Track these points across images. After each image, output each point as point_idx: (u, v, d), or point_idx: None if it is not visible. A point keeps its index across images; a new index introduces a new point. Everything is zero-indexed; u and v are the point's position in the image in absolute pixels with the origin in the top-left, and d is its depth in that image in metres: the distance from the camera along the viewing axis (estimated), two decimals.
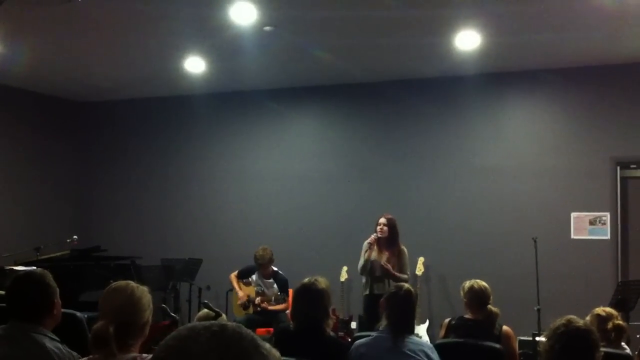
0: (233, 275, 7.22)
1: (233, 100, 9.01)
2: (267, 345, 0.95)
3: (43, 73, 8.17)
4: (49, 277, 2.72)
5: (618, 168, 7.33)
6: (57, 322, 2.71)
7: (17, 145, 8.98)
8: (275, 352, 0.96)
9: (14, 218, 8.77)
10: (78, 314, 4.20)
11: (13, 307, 2.66)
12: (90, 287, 6.76)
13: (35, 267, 5.48)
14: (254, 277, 7.09)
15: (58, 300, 2.72)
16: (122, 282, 2.45)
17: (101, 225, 9.50)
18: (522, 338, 6.10)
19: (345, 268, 7.63)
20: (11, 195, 8.82)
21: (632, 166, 7.37)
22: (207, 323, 0.95)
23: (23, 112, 9.07)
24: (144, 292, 2.44)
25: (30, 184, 9.09)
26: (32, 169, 9.15)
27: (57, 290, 2.72)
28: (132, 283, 2.45)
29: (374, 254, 6.41)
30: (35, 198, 9.13)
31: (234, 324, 0.96)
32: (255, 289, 7.05)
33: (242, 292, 7.09)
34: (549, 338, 2.77)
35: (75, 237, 7.86)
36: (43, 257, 7.28)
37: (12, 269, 6.57)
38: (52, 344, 2.57)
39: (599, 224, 7.30)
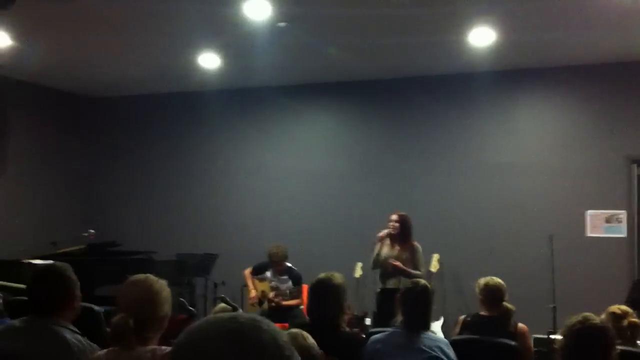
0: (247, 272, 7.24)
1: (246, 96, 9.03)
2: (286, 338, 0.93)
3: (56, 69, 8.23)
4: (70, 271, 2.76)
5: (634, 166, 7.28)
6: (77, 315, 2.75)
7: (31, 140, 9.05)
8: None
9: (28, 212, 8.84)
10: (95, 307, 4.25)
11: (34, 300, 2.69)
12: (106, 282, 6.82)
13: (52, 261, 5.55)
14: (268, 273, 7.11)
15: (79, 293, 2.75)
16: (141, 276, 2.47)
17: (115, 220, 9.55)
18: (537, 336, 6.08)
19: (359, 264, 7.64)
20: (25, 190, 8.89)
21: None
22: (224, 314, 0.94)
23: (37, 107, 9.14)
24: (162, 286, 2.47)
25: (44, 179, 9.17)
26: (45, 164, 9.22)
27: (78, 283, 2.76)
28: (151, 276, 2.48)
29: (386, 250, 6.43)
30: (49, 193, 9.20)
31: (250, 315, 0.95)
32: (270, 284, 7.07)
33: (254, 291, 7.12)
34: (565, 335, 2.77)
35: (92, 231, 7.91)
36: (60, 251, 7.34)
37: (30, 262, 6.65)
38: (72, 336, 2.60)
39: (615, 222, 7.26)
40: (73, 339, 2.58)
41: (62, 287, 2.69)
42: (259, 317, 0.93)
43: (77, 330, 2.65)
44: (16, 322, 2.64)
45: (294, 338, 2.23)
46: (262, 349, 0.88)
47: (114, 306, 5.22)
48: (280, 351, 0.89)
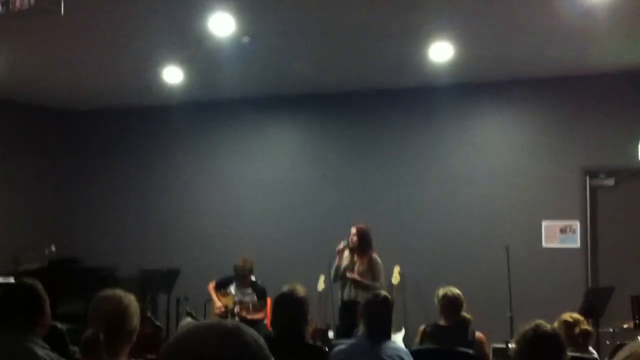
0: (211, 286, 7.25)
1: (211, 109, 9.07)
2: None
3: (21, 83, 8.15)
4: (40, 287, 2.80)
5: (587, 177, 7.51)
6: (46, 331, 2.79)
7: None
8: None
9: None
10: (59, 324, 4.24)
11: (5, 316, 2.73)
12: (68, 299, 6.77)
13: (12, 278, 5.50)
14: (232, 287, 7.13)
15: (48, 309, 2.80)
16: (110, 291, 2.54)
17: (80, 234, 9.46)
18: (496, 346, 6.21)
19: (322, 277, 7.71)
20: None
21: (600, 175, 7.55)
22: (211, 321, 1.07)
23: (2, 121, 9.03)
24: (131, 300, 2.54)
25: (9, 193, 9.04)
26: (10, 177, 9.09)
27: (47, 299, 2.80)
28: (120, 291, 2.54)
29: (346, 263, 6.57)
30: (13, 207, 9.06)
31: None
32: (234, 299, 7.10)
33: (219, 303, 7.13)
34: (518, 342, 2.89)
35: (53, 247, 7.83)
36: (20, 269, 7.25)
37: None
38: (43, 352, 2.64)
39: (569, 233, 7.47)
40: (44, 355, 2.62)
41: (32, 303, 2.73)
42: (240, 324, 1.08)
43: (46, 345, 2.69)
44: None
45: None
46: (246, 348, 1.03)
47: (76, 324, 5.19)
48: (261, 350, 1.04)
